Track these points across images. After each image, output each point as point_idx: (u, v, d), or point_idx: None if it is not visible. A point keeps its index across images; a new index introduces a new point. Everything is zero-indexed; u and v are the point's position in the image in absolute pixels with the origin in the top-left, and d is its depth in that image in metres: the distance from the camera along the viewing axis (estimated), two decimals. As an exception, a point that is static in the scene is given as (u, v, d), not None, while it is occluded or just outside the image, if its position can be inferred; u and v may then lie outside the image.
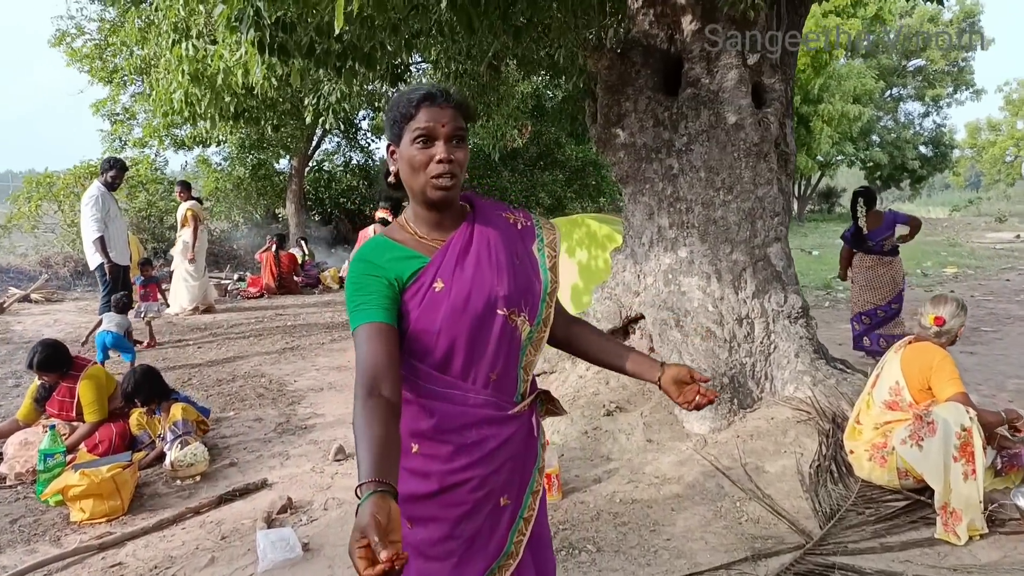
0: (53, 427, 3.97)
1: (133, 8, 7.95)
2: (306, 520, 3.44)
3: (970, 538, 2.91)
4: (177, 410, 4.19)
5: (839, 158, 25.80)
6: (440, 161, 1.47)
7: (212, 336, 8.14)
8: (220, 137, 10.97)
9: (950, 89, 30.11)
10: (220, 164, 16.88)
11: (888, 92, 28.82)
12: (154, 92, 6.03)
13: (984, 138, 35.30)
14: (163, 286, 9.61)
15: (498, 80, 6.17)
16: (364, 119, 17.17)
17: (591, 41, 4.74)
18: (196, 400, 4.85)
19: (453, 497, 1.54)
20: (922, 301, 3.57)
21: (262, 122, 6.57)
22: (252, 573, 2.96)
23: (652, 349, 4.56)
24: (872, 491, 3.36)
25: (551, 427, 4.21)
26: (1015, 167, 31.28)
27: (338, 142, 18.52)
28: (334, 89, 5.18)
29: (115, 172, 7.41)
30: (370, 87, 7.49)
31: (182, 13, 4.91)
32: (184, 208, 9.42)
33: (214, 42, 4.77)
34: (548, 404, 1.74)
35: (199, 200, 10.03)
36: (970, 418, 2.99)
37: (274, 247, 11.63)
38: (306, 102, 5.54)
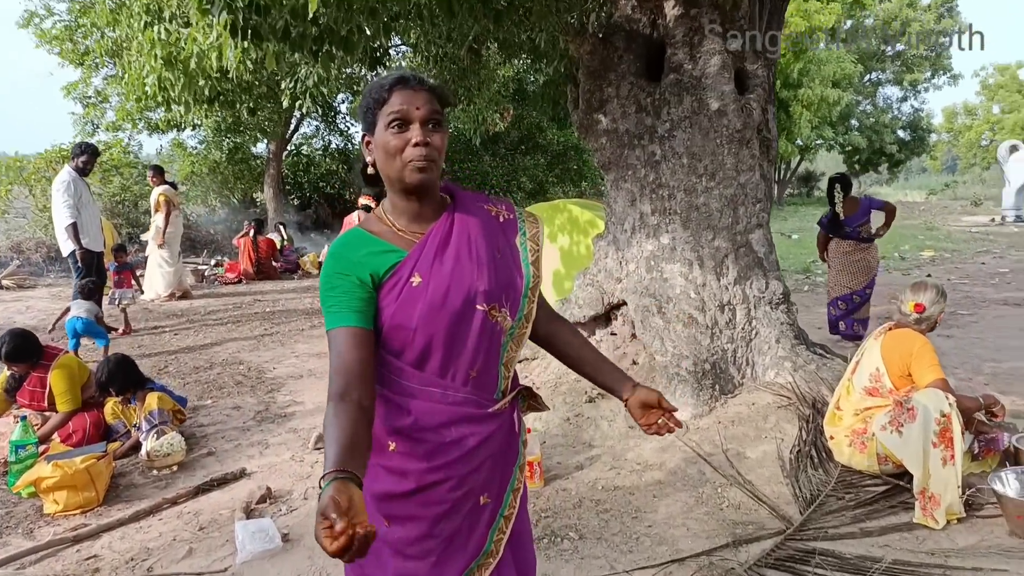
0: (24, 418, 3.89)
1: (103, -13, 7.74)
2: (285, 510, 3.40)
3: (948, 522, 2.94)
4: (153, 399, 4.13)
5: (818, 142, 26.00)
6: (416, 144, 1.42)
7: (189, 323, 8.04)
8: (195, 121, 10.80)
9: (928, 74, 30.38)
10: (196, 148, 16.62)
11: (867, 77, 28.97)
12: (126, 76, 5.88)
13: (960, 122, 35.74)
14: (138, 272, 9.47)
15: (479, 64, 6.08)
16: (343, 103, 16.96)
17: (573, 25, 4.68)
18: (172, 388, 4.79)
19: (431, 496, 1.50)
20: (899, 285, 3.59)
21: (237, 105, 6.43)
22: (231, 564, 2.93)
23: (634, 336, 4.56)
24: (852, 476, 3.39)
25: (533, 413, 4.19)
26: (991, 151, 31.62)
27: (317, 126, 18.28)
28: (311, 73, 5.08)
29: (86, 157, 7.25)
30: (348, 71, 7.37)
31: (153, -7, 4.79)
32: (157, 193, 9.27)
33: (187, 24, 4.65)
34: (530, 400, 1.71)
35: (173, 185, 9.88)
36: (949, 404, 3.01)
37: (252, 232, 11.51)
38: (283, 86, 5.42)
